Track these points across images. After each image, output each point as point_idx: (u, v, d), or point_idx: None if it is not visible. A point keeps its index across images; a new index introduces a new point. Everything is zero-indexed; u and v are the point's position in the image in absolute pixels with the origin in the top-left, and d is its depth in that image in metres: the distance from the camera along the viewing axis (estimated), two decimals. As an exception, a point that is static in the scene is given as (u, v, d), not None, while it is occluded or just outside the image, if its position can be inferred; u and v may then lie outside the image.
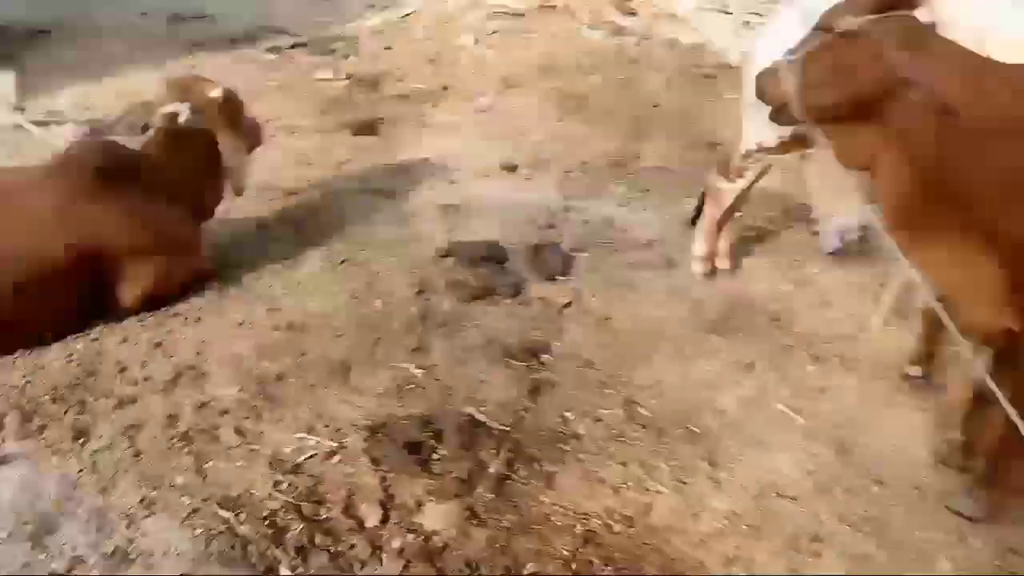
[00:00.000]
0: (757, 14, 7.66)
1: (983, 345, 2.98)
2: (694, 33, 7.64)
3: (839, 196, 3.69)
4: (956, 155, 2.21)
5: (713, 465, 2.94)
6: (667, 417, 3.14)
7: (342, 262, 3.62)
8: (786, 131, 3.51)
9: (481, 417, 2.86)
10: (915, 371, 3.52)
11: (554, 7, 7.96)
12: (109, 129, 3.45)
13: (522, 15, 7.81)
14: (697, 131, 5.55)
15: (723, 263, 4.16)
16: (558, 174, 5.07)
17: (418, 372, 3.02)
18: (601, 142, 5.56)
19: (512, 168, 5.03)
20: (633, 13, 8.20)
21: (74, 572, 2.05)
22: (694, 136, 5.38)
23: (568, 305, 3.74)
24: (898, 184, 2.36)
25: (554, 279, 3.88)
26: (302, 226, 3.94)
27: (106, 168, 3.16)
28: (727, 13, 8.74)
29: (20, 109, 5.03)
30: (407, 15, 8.12)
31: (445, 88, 6.32)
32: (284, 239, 3.79)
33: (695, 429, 3.10)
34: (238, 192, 3.66)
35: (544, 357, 3.33)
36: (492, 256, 3.90)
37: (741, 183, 3.81)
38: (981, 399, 3.04)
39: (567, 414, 3.04)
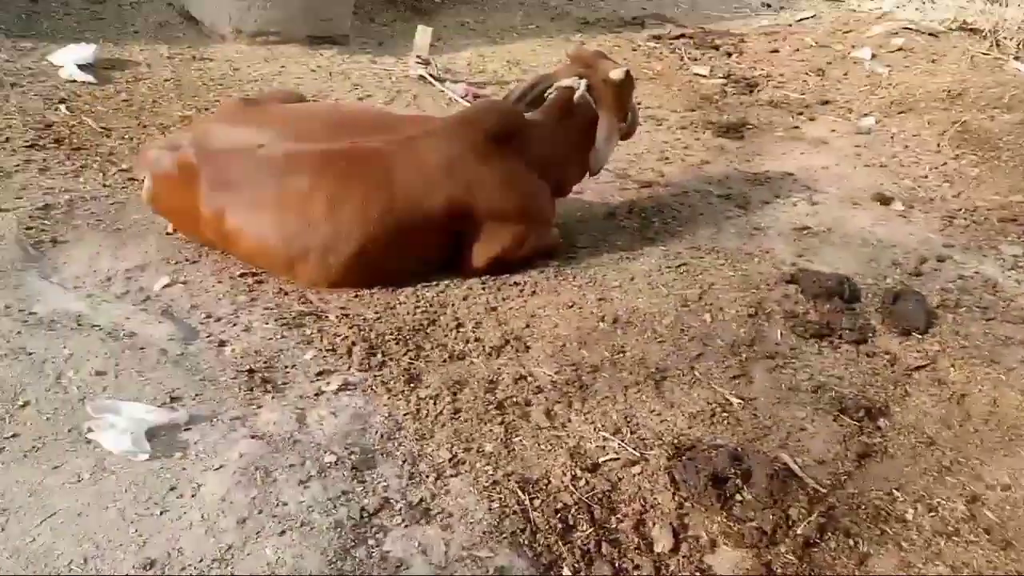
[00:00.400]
0: None
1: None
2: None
3: None
4: None
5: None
6: (1018, 529, 2.64)
7: (680, 265, 3.53)
8: None
9: (796, 468, 2.62)
10: None
11: (978, 31, 7.02)
12: (517, 98, 3.62)
13: (936, 35, 7.00)
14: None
15: None
16: (939, 217, 4.48)
17: (735, 400, 2.84)
18: (999, 190, 4.80)
19: (886, 201, 4.54)
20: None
21: (380, 513, 2.20)
22: None
23: (920, 368, 3.29)
24: None
25: (909, 335, 3.43)
26: (648, 220, 3.91)
27: (498, 133, 3.34)
28: None
29: (425, 63, 5.59)
30: (803, 19, 7.71)
31: (826, 102, 5.89)
32: (628, 230, 3.78)
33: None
34: (593, 172, 3.71)
35: (881, 421, 2.97)
36: (841, 293, 3.54)
37: None
38: None
39: (896, 492, 2.68)
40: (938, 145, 5.26)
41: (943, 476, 2.79)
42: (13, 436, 2.33)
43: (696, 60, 6.42)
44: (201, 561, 2.03)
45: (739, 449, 2.61)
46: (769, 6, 8.14)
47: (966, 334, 3.51)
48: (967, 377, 3.27)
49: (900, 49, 6.71)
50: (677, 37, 6.93)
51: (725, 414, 2.77)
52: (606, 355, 2.93)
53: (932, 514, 2.62)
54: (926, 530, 2.56)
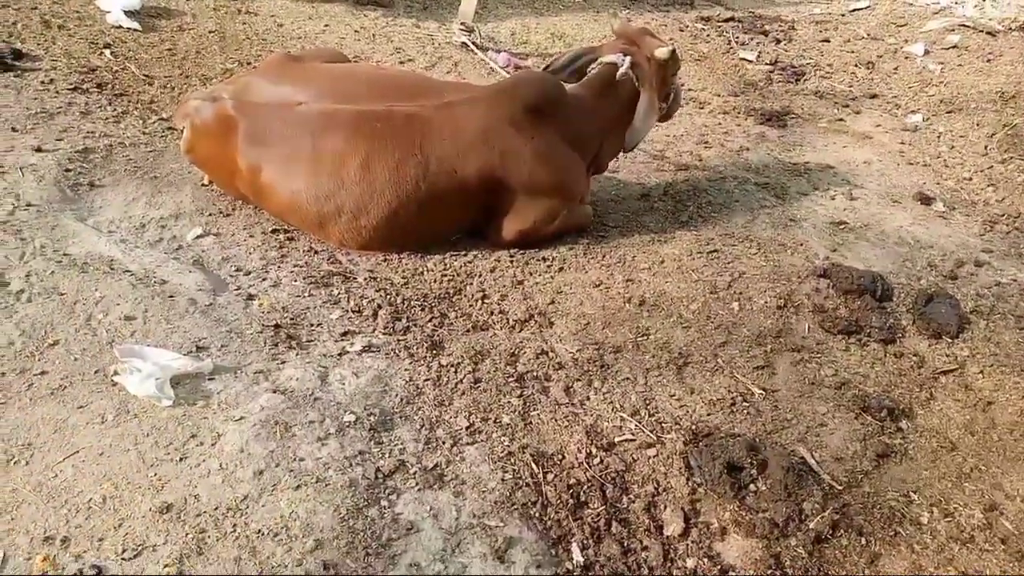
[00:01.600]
0: None
1: None
2: None
3: None
4: None
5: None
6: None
7: (711, 251, 3.49)
8: None
9: (813, 463, 2.60)
10: None
11: (1046, 28, 6.82)
12: (559, 69, 3.57)
13: (994, 34, 6.79)
14: None
15: None
16: (981, 221, 4.39)
17: (757, 391, 2.82)
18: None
19: (927, 200, 4.45)
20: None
21: (395, 475, 2.22)
22: None
23: (948, 373, 3.24)
24: None
25: (939, 338, 3.38)
26: (682, 204, 3.86)
27: (537, 104, 3.30)
28: None
29: (469, 30, 5.55)
30: (856, 9, 7.52)
31: (874, 96, 5.76)
32: (661, 212, 3.74)
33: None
34: (627, 150, 3.66)
35: (903, 422, 2.93)
36: (873, 290, 3.49)
37: None
38: None
39: (913, 495, 2.65)
40: (985, 147, 5.13)
41: (962, 482, 2.76)
42: (41, 374, 2.38)
43: (744, 45, 6.31)
44: (216, 509, 2.06)
45: (757, 440, 2.59)
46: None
47: (998, 341, 3.45)
48: (995, 385, 3.22)
49: (955, 47, 6.53)
50: (727, 20, 6.81)
51: (745, 404, 2.75)
52: (630, 336, 2.91)
53: (948, 519, 2.60)
54: (940, 535, 2.54)
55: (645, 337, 2.95)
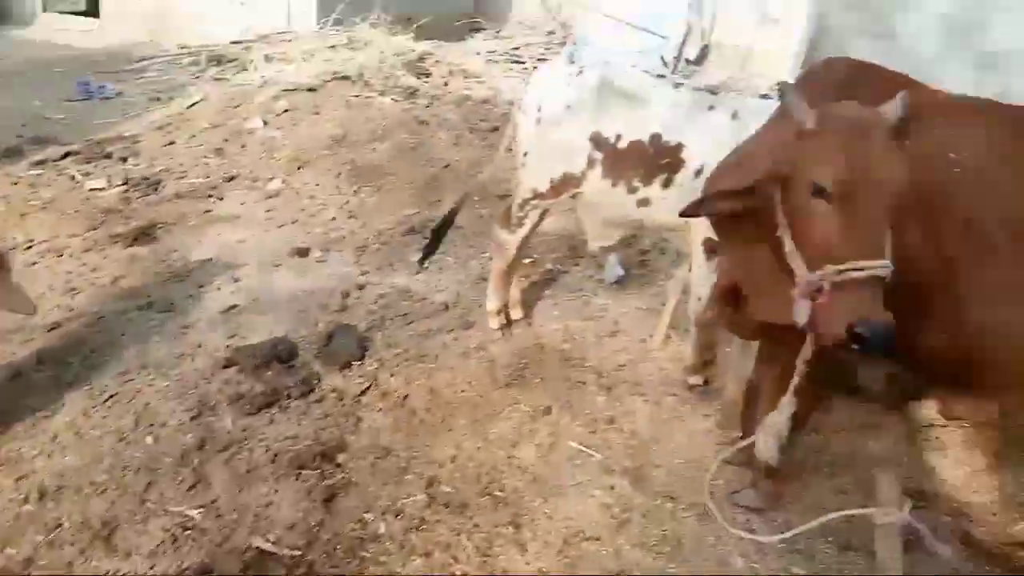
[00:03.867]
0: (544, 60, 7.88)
1: (748, 341, 3.19)
2: (484, 87, 7.76)
3: (608, 229, 3.80)
4: None
5: (517, 527, 2.93)
6: (470, 489, 3.11)
7: (108, 399, 3.36)
8: (557, 174, 3.62)
9: (268, 546, 2.71)
10: (696, 379, 3.71)
11: (348, 78, 7.88)
12: None
13: (314, 89, 7.69)
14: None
15: (516, 313, 4.21)
16: (353, 249, 5.00)
17: (196, 513, 2.81)
18: (396, 210, 5.53)
19: (304, 252, 4.91)
20: (426, 74, 8.26)
21: None
22: (483, 191, 5.43)
23: (366, 391, 3.65)
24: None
25: (349, 366, 3.78)
26: (64, 365, 3.62)
27: None
28: (519, 62, 8.95)
29: None
30: (192, 105, 7.83)
31: (232, 178, 6.10)
32: (41, 385, 3.47)
33: (499, 493, 3.09)
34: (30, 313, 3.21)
35: (340, 457, 3.22)
36: (278, 355, 3.74)
37: (522, 232, 3.87)
38: (754, 394, 3.23)
39: (366, 515, 2.94)
40: (337, 187, 5.84)
41: (403, 477, 3.14)
42: None
43: (89, 175, 6.12)
44: None
45: (208, 560, 2.60)
46: (159, 99, 8.13)
47: (396, 343, 3.99)
48: (405, 380, 3.72)
49: (286, 110, 7.24)
50: (64, 156, 6.52)
51: (188, 532, 2.73)
52: (39, 540, 2.64)
53: (399, 517, 2.94)
54: (398, 534, 2.86)
55: (59, 530, 2.69)
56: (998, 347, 2.37)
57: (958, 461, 3.47)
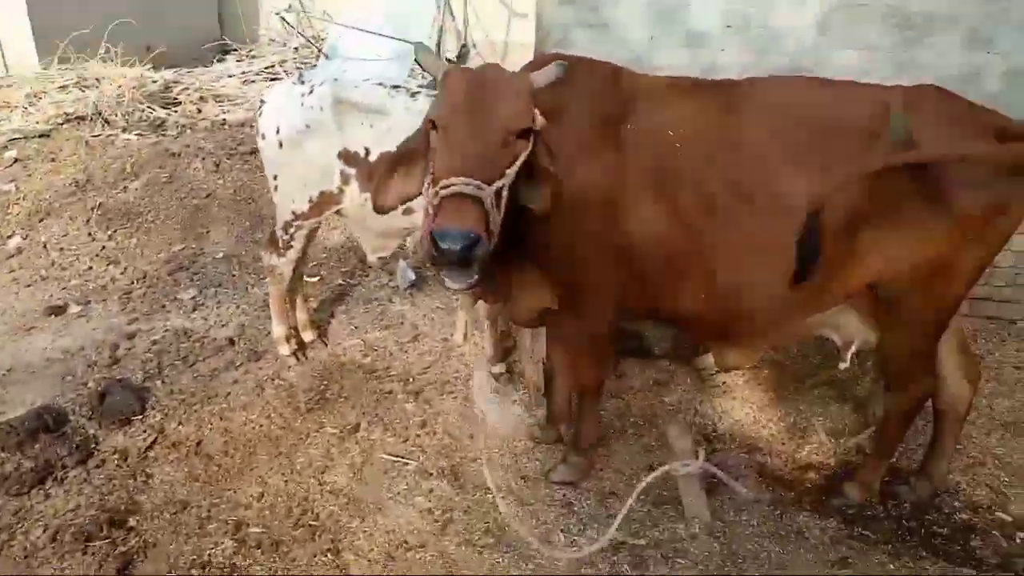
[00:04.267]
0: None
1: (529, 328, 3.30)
2: (242, 110, 7.39)
3: (381, 240, 3.76)
4: None
5: (337, 553, 2.83)
6: (282, 525, 2.96)
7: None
8: (314, 194, 3.51)
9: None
10: (498, 368, 3.77)
11: (83, 118, 7.21)
12: None
13: (47, 135, 6.96)
14: (255, 210, 5.38)
15: (308, 335, 4.06)
16: (117, 299, 4.59)
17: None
18: (160, 249, 5.15)
19: (59, 310, 4.44)
20: (175, 104, 7.74)
21: None
22: (254, 216, 5.20)
23: (152, 446, 3.36)
24: None
25: (129, 422, 3.46)
26: None
27: None
28: (277, 79, 8.59)
29: None
30: None
31: (-38, 243, 5.41)
32: None
33: (313, 523, 2.96)
34: None
35: (132, 520, 2.94)
36: (44, 425, 3.35)
37: (292, 254, 3.72)
38: (551, 373, 3.34)
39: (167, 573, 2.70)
40: (89, 234, 5.33)
41: (206, 527, 2.92)
42: None
43: None
44: None
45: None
46: None
47: (180, 388, 3.70)
48: (196, 425, 3.46)
49: (17, 160, 6.53)
50: None
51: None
52: None
53: (207, 569, 2.73)
54: (205, 593, 2.65)
55: None
56: (745, 298, 2.63)
57: (744, 401, 3.78)
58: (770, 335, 2.85)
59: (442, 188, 2.11)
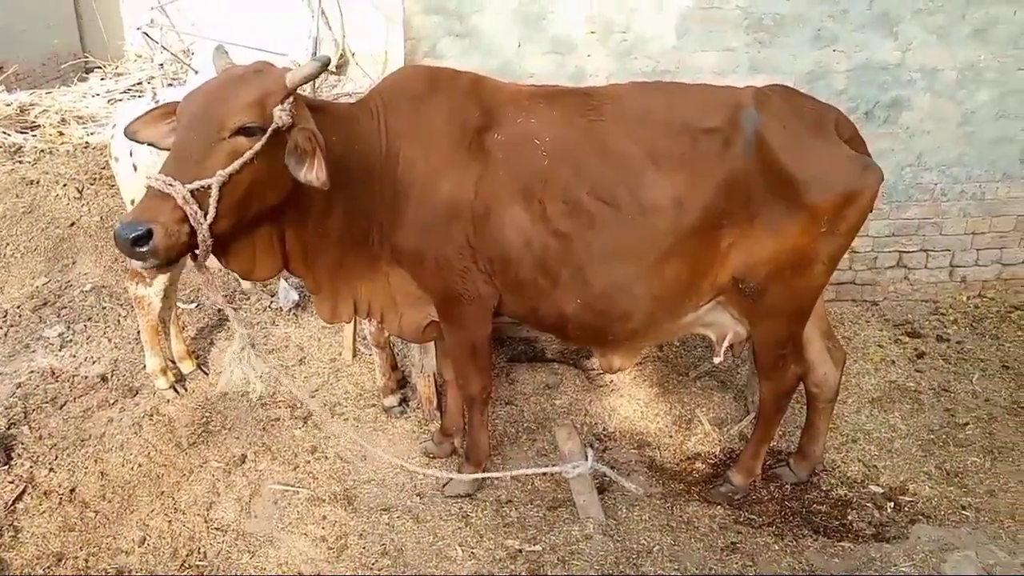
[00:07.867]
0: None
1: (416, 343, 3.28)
2: (108, 131, 7.01)
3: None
4: None
5: (227, 595, 2.72)
6: (166, 568, 2.84)
7: None
8: None
9: None
10: (391, 401, 3.70)
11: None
12: None
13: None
14: (123, 235, 5.12)
15: (187, 366, 3.89)
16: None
17: None
18: (21, 284, 4.82)
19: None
20: (34, 126, 7.26)
21: None
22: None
23: (20, 497, 3.15)
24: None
25: (-10, 476, 3.23)
26: None
27: None
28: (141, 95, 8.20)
29: None
30: None
31: None
32: None
33: (201, 563, 2.85)
34: None
35: (-7, 584, 2.74)
36: None
37: (159, 283, 3.55)
38: (443, 387, 3.33)
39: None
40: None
41: (84, 579, 2.76)
42: None
43: None
44: None
45: None
46: None
47: (49, 432, 3.49)
48: (69, 471, 3.27)
49: None
50: None
51: None
52: None
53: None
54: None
55: None
56: (618, 300, 2.69)
57: (632, 398, 3.86)
58: (648, 335, 2.92)
59: (149, 184, 2.19)
